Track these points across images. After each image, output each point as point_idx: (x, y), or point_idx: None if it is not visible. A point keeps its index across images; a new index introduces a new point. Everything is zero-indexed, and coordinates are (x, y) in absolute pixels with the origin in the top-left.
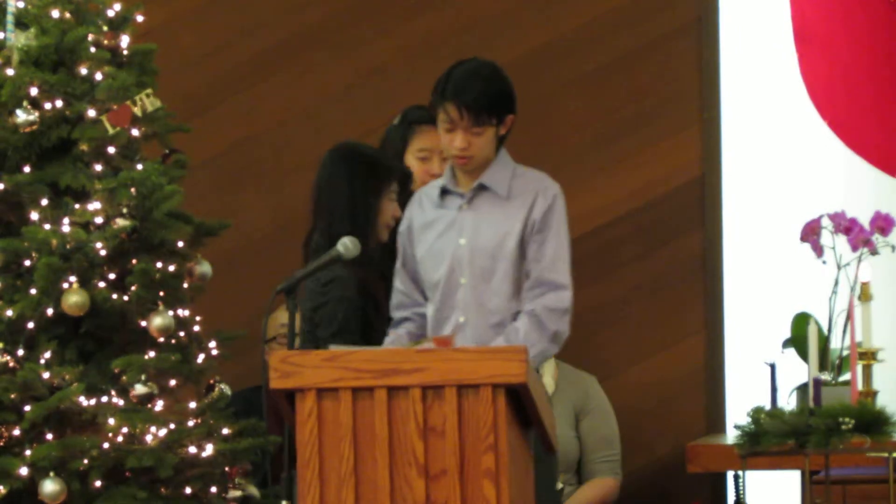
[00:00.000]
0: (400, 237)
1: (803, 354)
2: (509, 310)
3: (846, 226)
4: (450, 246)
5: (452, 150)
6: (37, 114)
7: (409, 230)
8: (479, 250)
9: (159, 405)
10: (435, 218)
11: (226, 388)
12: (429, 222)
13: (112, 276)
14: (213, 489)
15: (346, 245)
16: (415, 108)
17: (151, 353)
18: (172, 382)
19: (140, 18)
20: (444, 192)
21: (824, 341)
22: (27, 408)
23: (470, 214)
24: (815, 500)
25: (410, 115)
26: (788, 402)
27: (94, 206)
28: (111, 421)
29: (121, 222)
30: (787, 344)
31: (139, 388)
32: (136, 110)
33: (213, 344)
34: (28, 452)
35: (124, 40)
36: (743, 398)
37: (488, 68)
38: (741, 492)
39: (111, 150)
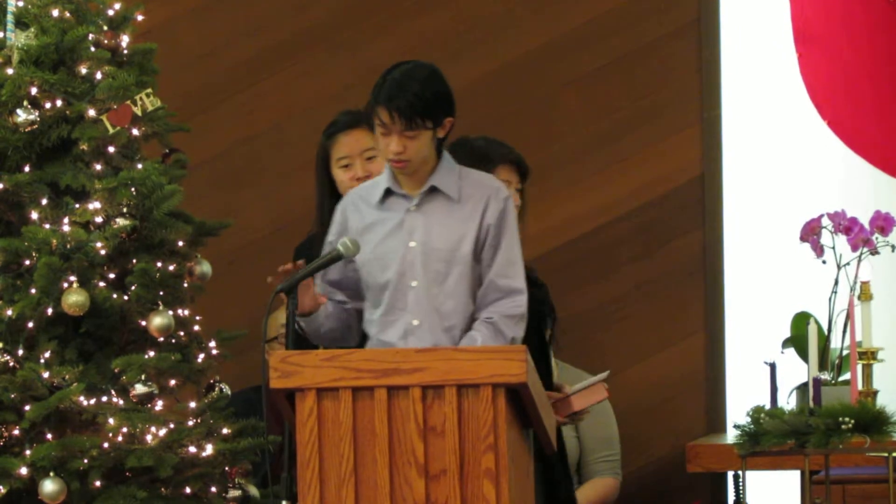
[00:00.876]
0: (329, 244)
1: (803, 354)
2: (465, 313)
3: (846, 225)
4: (399, 248)
5: (388, 154)
6: (37, 113)
7: (344, 234)
8: (431, 253)
9: (159, 405)
10: (376, 220)
11: (226, 388)
12: (369, 224)
13: (112, 275)
14: (213, 489)
15: (347, 244)
16: (342, 113)
17: (151, 353)
18: (172, 382)
19: (140, 18)
20: (388, 193)
21: (824, 341)
22: (27, 408)
23: (420, 216)
24: (815, 500)
25: (329, 127)
26: (788, 402)
27: (94, 205)
28: (111, 421)
29: (121, 222)
30: (787, 344)
31: (139, 388)
32: (137, 110)
33: (213, 344)
34: (28, 452)
35: (124, 40)
36: (743, 398)
37: (424, 71)
38: (741, 492)
39: (111, 149)
